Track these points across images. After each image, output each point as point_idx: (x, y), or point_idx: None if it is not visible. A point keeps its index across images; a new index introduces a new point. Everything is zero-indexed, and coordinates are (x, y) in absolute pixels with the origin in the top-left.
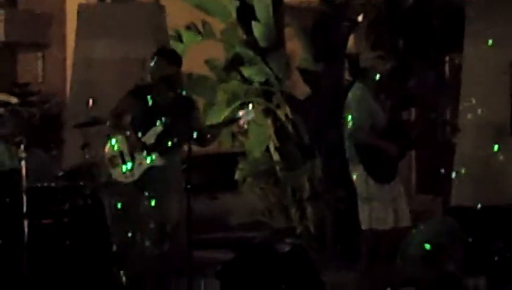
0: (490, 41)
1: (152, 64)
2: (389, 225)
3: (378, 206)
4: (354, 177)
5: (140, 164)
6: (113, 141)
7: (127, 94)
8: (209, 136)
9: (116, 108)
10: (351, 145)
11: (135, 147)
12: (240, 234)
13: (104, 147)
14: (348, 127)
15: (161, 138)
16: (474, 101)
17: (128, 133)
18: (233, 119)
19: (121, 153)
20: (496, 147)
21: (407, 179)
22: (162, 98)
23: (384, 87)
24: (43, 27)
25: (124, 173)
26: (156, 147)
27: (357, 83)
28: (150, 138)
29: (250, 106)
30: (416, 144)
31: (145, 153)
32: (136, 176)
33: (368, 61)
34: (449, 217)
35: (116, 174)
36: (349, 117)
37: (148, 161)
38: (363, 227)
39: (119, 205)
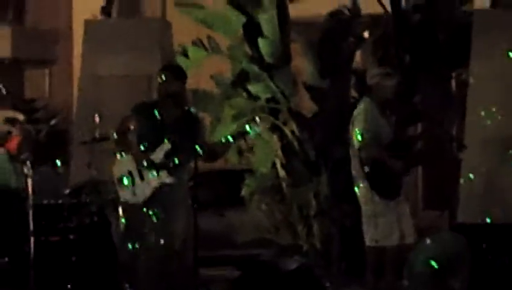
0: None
1: (159, 80)
2: (395, 241)
3: (383, 223)
4: (359, 193)
5: (149, 182)
6: (121, 159)
7: (132, 111)
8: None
9: (121, 125)
10: (356, 161)
11: (144, 166)
12: (246, 251)
13: (111, 166)
14: (354, 142)
15: (169, 155)
16: (480, 116)
17: (135, 151)
18: (241, 133)
19: (130, 173)
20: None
21: (413, 195)
22: (168, 114)
23: (390, 103)
24: (50, 43)
25: (134, 193)
26: (165, 164)
27: (364, 98)
28: (158, 155)
29: (257, 119)
30: (422, 159)
31: (154, 171)
32: (147, 194)
33: (374, 78)
34: (456, 234)
35: (125, 194)
36: (356, 132)
37: (156, 178)
38: (368, 244)
39: (124, 222)
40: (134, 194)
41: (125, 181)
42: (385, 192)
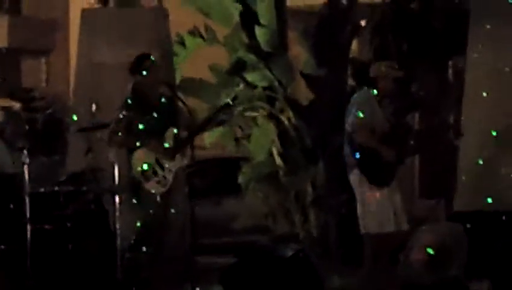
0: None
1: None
2: (390, 228)
3: (377, 210)
4: (352, 181)
5: (170, 169)
6: (139, 156)
7: (126, 108)
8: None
9: (115, 126)
10: (348, 148)
11: (163, 155)
12: (243, 238)
13: (131, 164)
14: (348, 128)
15: (176, 138)
16: (477, 105)
17: (148, 143)
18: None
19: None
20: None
21: (410, 184)
22: (151, 100)
23: (390, 95)
24: (47, 33)
25: (160, 183)
26: (176, 149)
27: (364, 88)
28: (169, 141)
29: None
30: (418, 149)
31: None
32: (171, 181)
33: (379, 71)
34: (453, 221)
35: (151, 187)
36: (350, 117)
37: (173, 163)
38: (362, 231)
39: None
40: (159, 183)
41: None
42: (376, 180)
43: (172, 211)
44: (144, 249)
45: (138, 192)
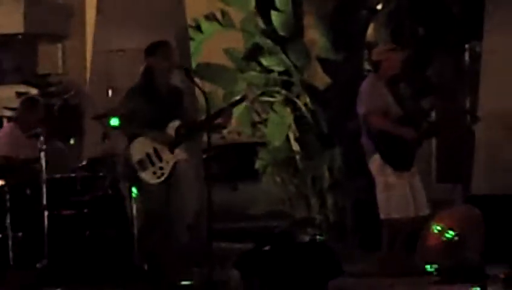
0: None
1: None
2: (410, 213)
3: (397, 195)
4: (371, 165)
5: (167, 161)
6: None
7: (129, 94)
8: (220, 120)
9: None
10: (366, 134)
11: (163, 145)
12: (260, 224)
13: (128, 151)
14: (359, 114)
15: (179, 131)
16: (494, 90)
17: (148, 132)
18: (240, 100)
19: (148, 155)
20: None
21: (427, 168)
22: (160, 91)
23: (400, 78)
24: (63, 18)
25: (154, 173)
26: (178, 141)
27: (370, 73)
28: (170, 132)
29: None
30: (435, 131)
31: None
32: (166, 174)
33: (381, 54)
34: (470, 205)
35: (146, 176)
36: (360, 103)
37: (172, 156)
38: (382, 216)
39: (141, 200)
40: (154, 174)
41: (146, 164)
42: (397, 163)
43: (178, 200)
44: (150, 236)
45: (136, 180)
